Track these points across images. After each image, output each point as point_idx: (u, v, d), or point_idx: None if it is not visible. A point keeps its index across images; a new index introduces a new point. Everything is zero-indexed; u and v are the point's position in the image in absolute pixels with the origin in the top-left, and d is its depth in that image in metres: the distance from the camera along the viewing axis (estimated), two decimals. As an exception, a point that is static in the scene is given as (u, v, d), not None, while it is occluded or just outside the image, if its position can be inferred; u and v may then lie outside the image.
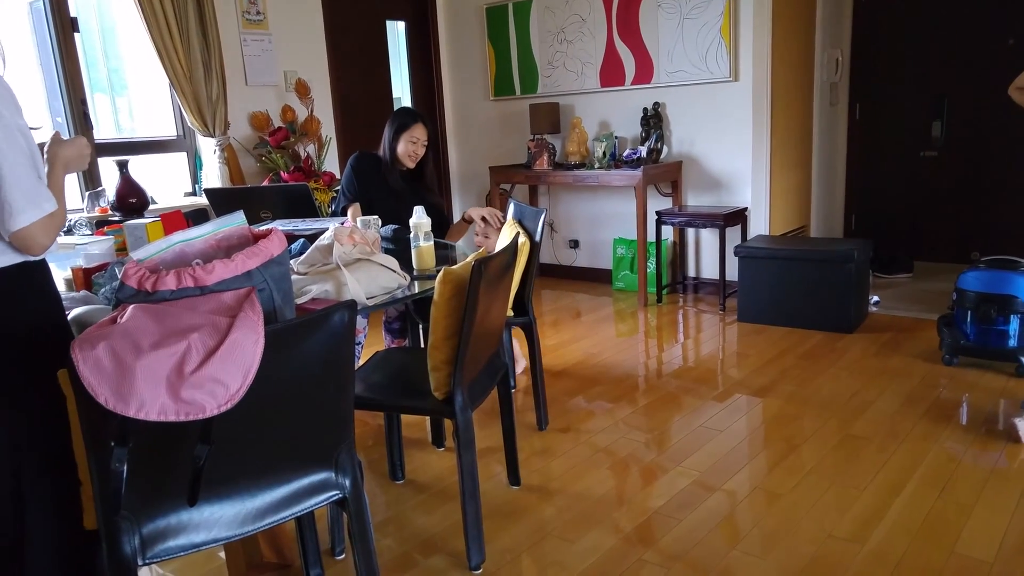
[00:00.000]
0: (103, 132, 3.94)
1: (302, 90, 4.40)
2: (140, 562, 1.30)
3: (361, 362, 2.59)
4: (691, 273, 4.69)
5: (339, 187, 3.20)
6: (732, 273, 4.12)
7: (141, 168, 3.80)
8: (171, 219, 2.21)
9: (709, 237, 4.54)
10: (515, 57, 5.07)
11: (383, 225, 2.69)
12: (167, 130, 4.24)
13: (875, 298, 4.11)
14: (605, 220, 4.94)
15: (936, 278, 4.53)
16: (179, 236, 1.42)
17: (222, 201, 2.78)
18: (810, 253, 3.74)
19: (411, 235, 2.17)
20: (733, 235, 4.26)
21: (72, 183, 3.78)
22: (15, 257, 1.32)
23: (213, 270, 1.33)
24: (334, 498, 1.48)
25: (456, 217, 5.63)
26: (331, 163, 4.64)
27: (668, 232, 4.59)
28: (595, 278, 5.05)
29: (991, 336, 3.02)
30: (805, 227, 4.83)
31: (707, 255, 4.61)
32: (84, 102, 3.73)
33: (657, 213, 4.34)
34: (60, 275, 2.03)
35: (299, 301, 1.77)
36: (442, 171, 5.56)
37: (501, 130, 5.30)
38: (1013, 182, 4.54)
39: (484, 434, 2.69)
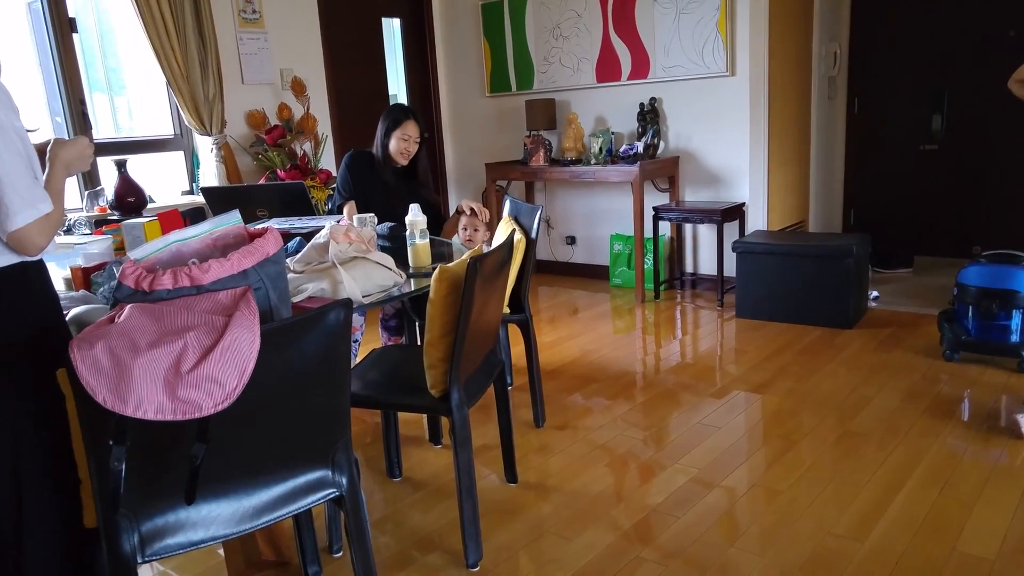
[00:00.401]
0: (102, 132, 3.94)
1: (298, 88, 4.39)
2: (139, 560, 1.30)
3: (358, 359, 2.59)
4: (689, 269, 4.69)
5: (335, 185, 3.19)
6: (730, 269, 4.11)
7: (139, 167, 3.80)
8: (168, 218, 2.20)
9: (707, 233, 4.54)
10: (511, 53, 5.06)
11: (379, 223, 2.69)
12: (164, 129, 4.24)
13: (874, 293, 4.10)
14: (602, 216, 4.93)
15: (936, 273, 4.53)
16: (175, 236, 1.42)
17: (219, 200, 2.77)
18: (808, 248, 3.74)
19: (407, 233, 2.17)
20: (731, 230, 4.26)
21: (71, 183, 3.78)
22: (12, 258, 1.32)
23: (209, 269, 1.33)
24: (331, 496, 1.48)
25: (451, 213, 5.63)
26: (327, 161, 4.63)
27: (665, 228, 4.59)
28: (592, 274, 5.05)
29: (993, 331, 3.01)
30: (803, 222, 4.82)
31: (705, 251, 4.60)
32: (83, 102, 3.73)
33: (654, 209, 4.34)
34: (59, 274, 2.03)
35: (295, 299, 1.77)
36: (438, 168, 5.55)
37: (497, 127, 5.29)
38: (1014, 175, 4.54)
39: (481, 431, 2.69)
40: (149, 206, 3.70)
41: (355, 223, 2.33)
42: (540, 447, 2.59)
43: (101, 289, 1.77)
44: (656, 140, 4.45)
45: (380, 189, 3.07)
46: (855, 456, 2.38)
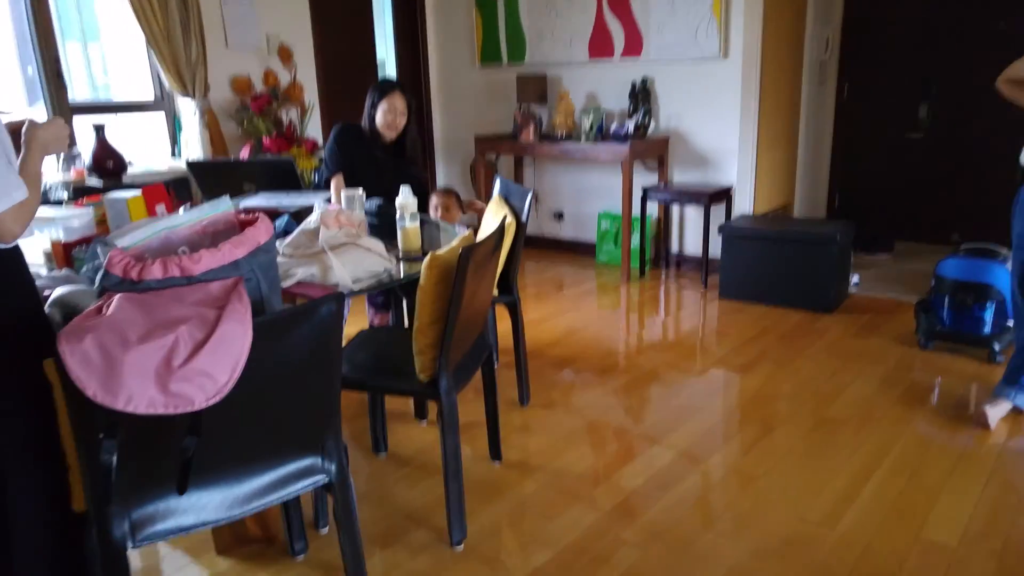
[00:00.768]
0: (76, 86, 3.82)
1: (285, 55, 4.30)
2: (130, 545, 1.32)
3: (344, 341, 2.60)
4: (674, 249, 4.72)
5: (323, 157, 3.16)
6: (715, 251, 4.15)
7: (117, 129, 3.71)
8: (153, 192, 2.17)
9: (693, 213, 4.56)
10: (502, 25, 4.98)
11: (367, 198, 2.67)
12: (144, 89, 4.13)
13: (855, 278, 4.15)
14: (591, 193, 4.93)
15: (916, 259, 4.60)
16: (164, 223, 1.41)
17: (206, 174, 2.74)
18: (793, 234, 3.78)
19: (397, 215, 2.16)
20: (717, 212, 4.29)
21: None
22: None
23: (200, 259, 1.33)
24: (320, 483, 1.50)
25: (442, 184, 5.60)
26: (314, 129, 4.57)
27: (653, 208, 4.60)
28: (579, 250, 5.07)
29: (966, 322, 3.08)
30: (788, 205, 4.86)
31: (691, 231, 4.63)
32: (57, 60, 3.62)
33: (643, 190, 4.35)
34: (39, 247, 1.99)
35: (285, 284, 1.77)
36: (426, 139, 5.50)
37: (487, 98, 5.23)
38: (995, 166, 4.58)
39: (467, 408, 2.71)
40: (129, 171, 3.63)
41: (343, 198, 2.32)
42: (524, 426, 2.64)
43: (84, 268, 1.75)
44: (647, 120, 4.44)
45: (368, 163, 3.05)
46: (830, 443, 2.45)
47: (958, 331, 3.13)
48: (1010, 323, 2.99)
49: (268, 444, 1.42)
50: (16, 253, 1.36)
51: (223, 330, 1.24)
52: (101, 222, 2.10)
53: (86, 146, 3.61)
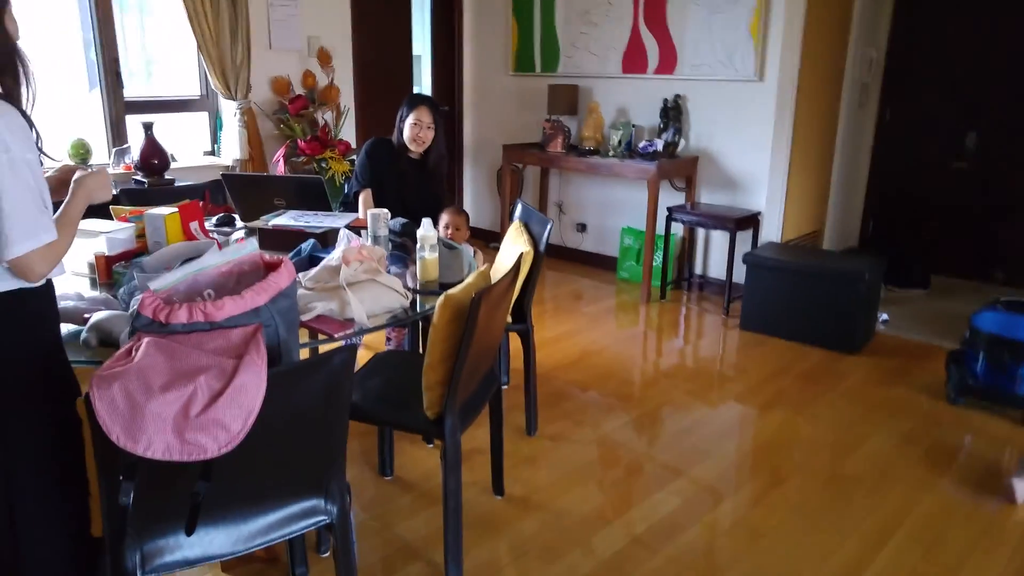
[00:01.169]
0: (132, 88, 3.96)
1: (324, 58, 4.35)
2: (140, 575, 1.38)
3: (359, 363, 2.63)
4: (698, 271, 4.69)
5: (354, 170, 3.21)
6: (739, 276, 4.10)
7: (164, 126, 3.85)
8: (188, 210, 2.25)
9: (719, 237, 4.52)
10: (538, 34, 4.97)
11: (392, 217, 2.70)
12: (191, 89, 4.24)
13: (884, 315, 3.99)
14: (615, 207, 4.91)
15: (952, 297, 4.41)
16: (194, 267, 1.46)
17: (240, 188, 2.81)
18: (820, 267, 3.69)
19: (417, 246, 2.19)
20: (744, 238, 4.24)
21: (101, 140, 3.89)
22: (12, 283, 1.36)
23: (223, 306, 1.37)
24: (322, 523, 1.55)
25: (468, 187, 5.62)
26: (348, 132, 4.62)
27: (678, 227, 4.57)
28: (600, 264, 5.06)
29: (1002, 379, 2.93)
30: (818, 231, 4.77)
31: (715, 253, 4.58)
32: (116, 60, 3.80)
33: (668, 210, 4.32)
34: (83, 260, 2.14)
35: (305, 318, 1.81)
36: (454, 143, 5.52)
37: (518, 106, 5.24)
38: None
39: (472, 434, 2.66)
40: (172, 166, 3.79)
41: (368, 216, 2.36)
42: (530, 458, 2.63)
43: (121, 290, 1.83)
44: (676, 138, 4.40)
45: (394, 176, 3.09)
46: (843, 501, 2.36)
47: (992, 388, 2.97)
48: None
49: (274, 486, 1.47)
50: (41, 292, 1.41)
51: (239, 381, 1.28)
52: (140, 236, 2.22)
53: (135, 142, 3.77)
